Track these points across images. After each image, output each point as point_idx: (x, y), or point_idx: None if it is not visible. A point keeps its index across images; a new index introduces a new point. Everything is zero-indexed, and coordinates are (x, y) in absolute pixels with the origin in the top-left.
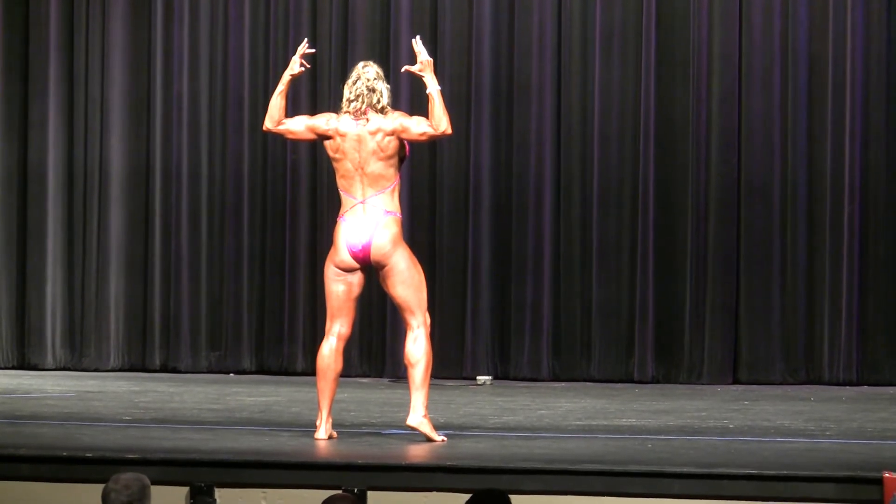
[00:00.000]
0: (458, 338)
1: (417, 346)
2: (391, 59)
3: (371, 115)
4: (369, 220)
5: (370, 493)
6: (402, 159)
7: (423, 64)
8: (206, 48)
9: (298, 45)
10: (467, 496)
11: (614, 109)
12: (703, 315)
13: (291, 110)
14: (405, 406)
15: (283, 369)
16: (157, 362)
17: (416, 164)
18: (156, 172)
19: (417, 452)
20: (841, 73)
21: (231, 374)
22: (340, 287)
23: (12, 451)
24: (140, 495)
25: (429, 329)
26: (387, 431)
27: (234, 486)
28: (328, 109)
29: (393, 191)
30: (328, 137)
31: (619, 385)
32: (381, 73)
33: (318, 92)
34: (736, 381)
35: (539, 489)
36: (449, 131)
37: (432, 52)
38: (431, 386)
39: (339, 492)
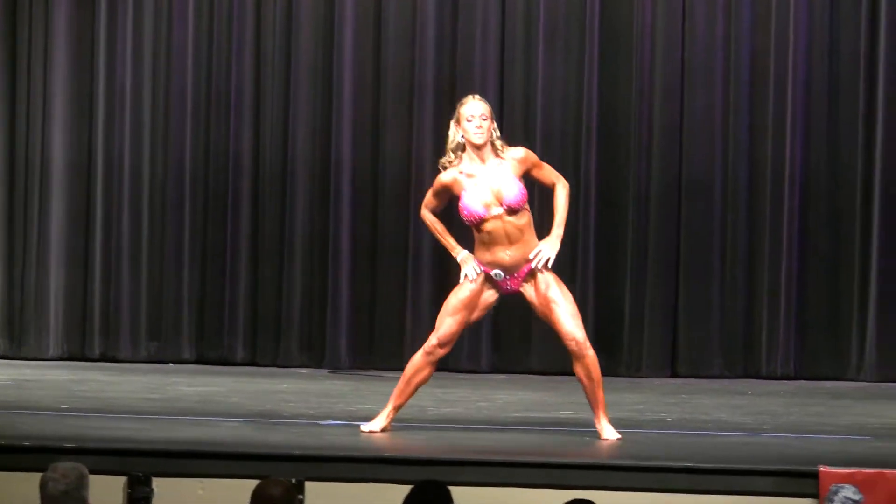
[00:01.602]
0: (399, 329)
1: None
2: (334, 51)
3: None
4: None
5: (308, 484)
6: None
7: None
8: (150, 41)
9: None
10: (406, 487)
11: (557, 103)
12: (643, 309)
13: (235, 94)
14: (344, 397)
15: (222, 360)
16: (97, 352)
17: (360, 155)
18: (97, 164)
19: (356, 444)
20: (783, 68)
21: (170, 365)
22: None
23: None
24: (78, 484)
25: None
26: (325, 422)
27: (172, 476)
28: (267, 102)
29: None
30: None
31: (558, 378)
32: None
33: (262, 83)
34: (674, 375)
35: (478, 481)
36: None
37: (375, 44)
38: (374, 379)
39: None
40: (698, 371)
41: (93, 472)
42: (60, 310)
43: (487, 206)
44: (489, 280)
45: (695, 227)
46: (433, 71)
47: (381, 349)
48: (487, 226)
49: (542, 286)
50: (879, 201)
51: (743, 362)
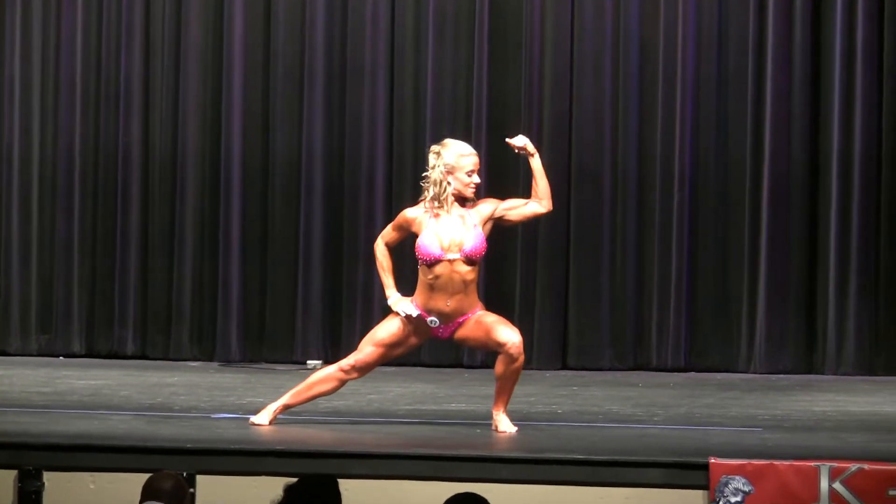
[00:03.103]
0: (289, 321)
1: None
2: (224, 42)
3: None
4: None
5: (199, 477)
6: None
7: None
8: (39, 31)
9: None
10: (294, 481)
11: (447, 93)
12: (533, 300)
13: (125, 84)
14: (235, 390)
15: (112, 353)
16: None
17: (250, 146)
18: None
19: (246, 437)
20: (672, 59)
21: (60, 358)
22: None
23: None
24: None
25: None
26: (216, 416)
27: (62, 470)
28: (157, 92)
29: None
30: None
31: (448, 370)
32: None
33: (151, 73)
34: (565, 367)
35: (368, 473)
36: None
37: (265, 35)
38: (265, 372)
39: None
40: (589, 363)
41: None
42: None
43: (445, 250)
44: (422, 323)
45: (584, 218)
46: (323, 62)
47: (272, 342)
48: (438, 269)
49: (473, 323)
50: (768, 192)
51: (633, 354)
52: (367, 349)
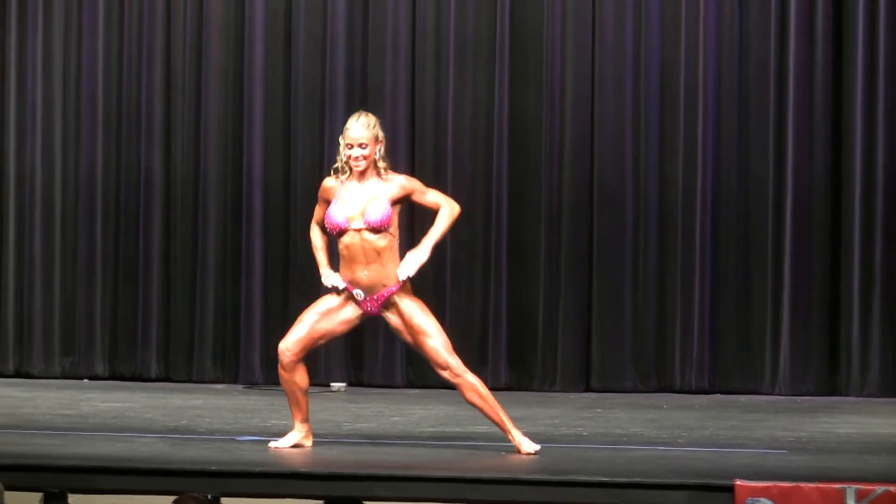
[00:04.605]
0: None
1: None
2: (244, 62)
3: None
4: None
5: (223, 500)
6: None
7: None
8: (60, 54)
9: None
10: (320, 503)
11: (467, 114)
12: (556, 323)
13: (147, 108)
14: (258, 412)
15: (136, 375)
16: (11, 367)
17: (271, 169)
18: (9, 177)
19: (271, 459)
20: (693, 79)
21: (84, 380)
22: None
23: None
24: None
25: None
26: (240, 438)
27: (87, 492)
28: (179, 116)
29: None
30: None
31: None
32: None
33: (172, 96)
34: (588, 389)
35: (391, 496)
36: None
37: (286, 58)
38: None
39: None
40: (612, 385)
41: (8, 488)
42: None
43: (349, 220)
44: (352, 298)
45: (607, 240)
46: (344, 84)
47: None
48: (345, 239)
49: (407, 314)
50: (791, 212)
51: (656, 376)
52: (293, 328)
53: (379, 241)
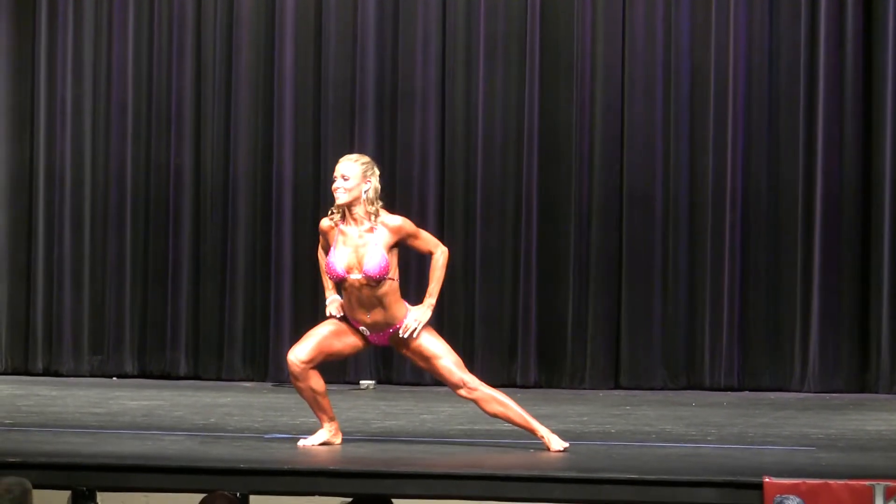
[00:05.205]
0: None
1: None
2: (276, 65)
3: None
4: None
5: (252, 498)
6: None
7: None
8: (90, 53)
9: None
10: (349, 500)
11: (498, 117)
12: (586, 321)
13: (176, 108)
14: (288, 410)
15: (165, 373)
16: (40, 366)
17: (301, 170)
18: (39, 177)
19: (300, 457)
20: (723, 81)
21: (114, 378)
22: None
23: None
24: (22, 499)
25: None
26: (269, 436)
27: (116, 490)
28: (209, 117)
29: None
30: None
31: (501, 390)
32: None
33: (202, 98)
34: (618, 387)
35: (421, 493)
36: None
37: (316, 57)
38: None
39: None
40: (641, 383)
41: (37, 486)
42: (3, 324)
43: (349, 270)
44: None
45: (636, 240)
46: (374, 86)
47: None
48: (346, 286)
49: (414, 342)
50: (820, 213)
51: (686, 374)
52: (303, 338)
53: (378, 289)
